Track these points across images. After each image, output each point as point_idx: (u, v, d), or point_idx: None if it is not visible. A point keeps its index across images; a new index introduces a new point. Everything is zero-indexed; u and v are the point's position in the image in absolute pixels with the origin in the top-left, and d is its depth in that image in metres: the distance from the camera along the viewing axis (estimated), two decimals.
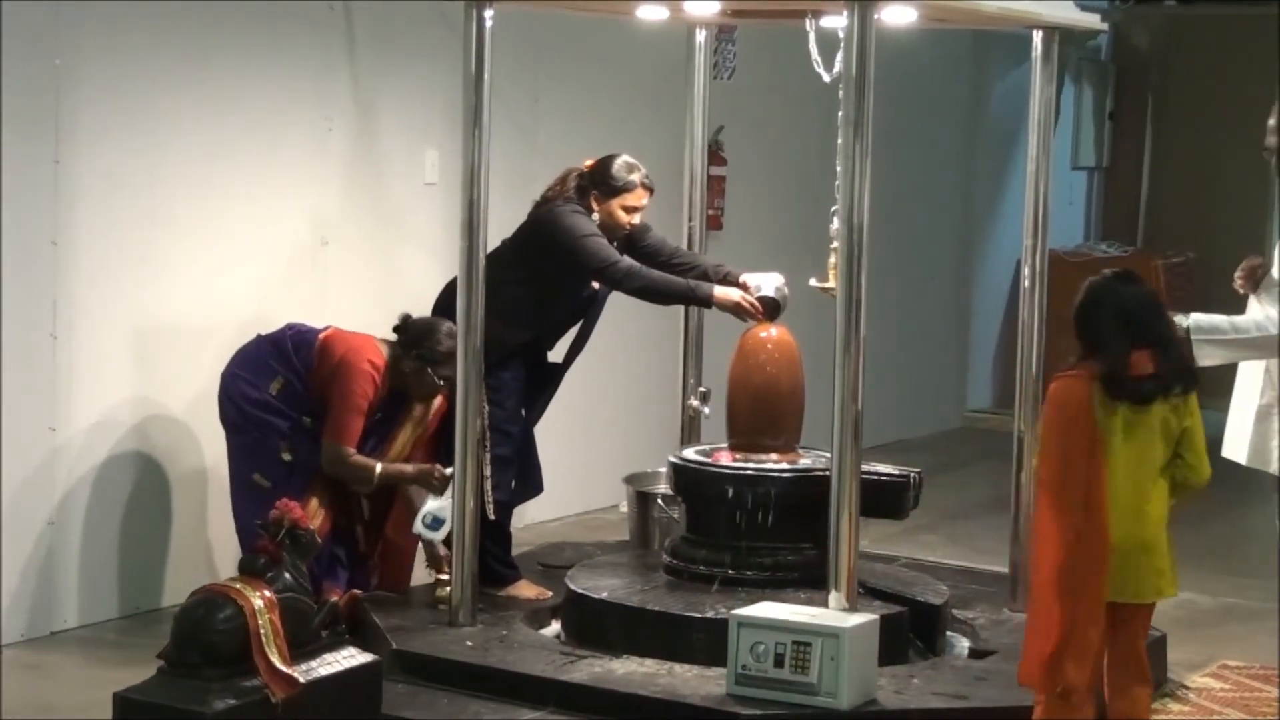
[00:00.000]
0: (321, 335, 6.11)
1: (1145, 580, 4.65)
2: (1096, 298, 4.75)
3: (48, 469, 6.15)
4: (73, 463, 6.23)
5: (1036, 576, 4.68)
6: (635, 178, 6.13)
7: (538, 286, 6.12)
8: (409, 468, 6.08)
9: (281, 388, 6.04)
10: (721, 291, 6.04)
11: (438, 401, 6.14)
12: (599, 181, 6.12)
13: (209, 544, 6.65)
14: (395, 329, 6.11)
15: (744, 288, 6.05)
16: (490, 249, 6.02)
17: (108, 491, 6.35)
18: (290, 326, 6.19)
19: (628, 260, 6.06)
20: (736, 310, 6.04)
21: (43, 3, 5.99)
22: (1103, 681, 4.70)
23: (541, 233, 6.11)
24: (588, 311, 6.32)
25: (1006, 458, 6.18)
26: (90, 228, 6.22)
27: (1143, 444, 4.63)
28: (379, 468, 6.00)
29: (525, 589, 6.20)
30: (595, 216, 6.11)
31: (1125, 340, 4.63)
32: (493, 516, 6.04)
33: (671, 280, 6.13)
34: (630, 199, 6.13)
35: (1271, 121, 5.19)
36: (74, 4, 6.09)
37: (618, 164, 6.13)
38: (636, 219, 6.19)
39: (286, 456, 6.01)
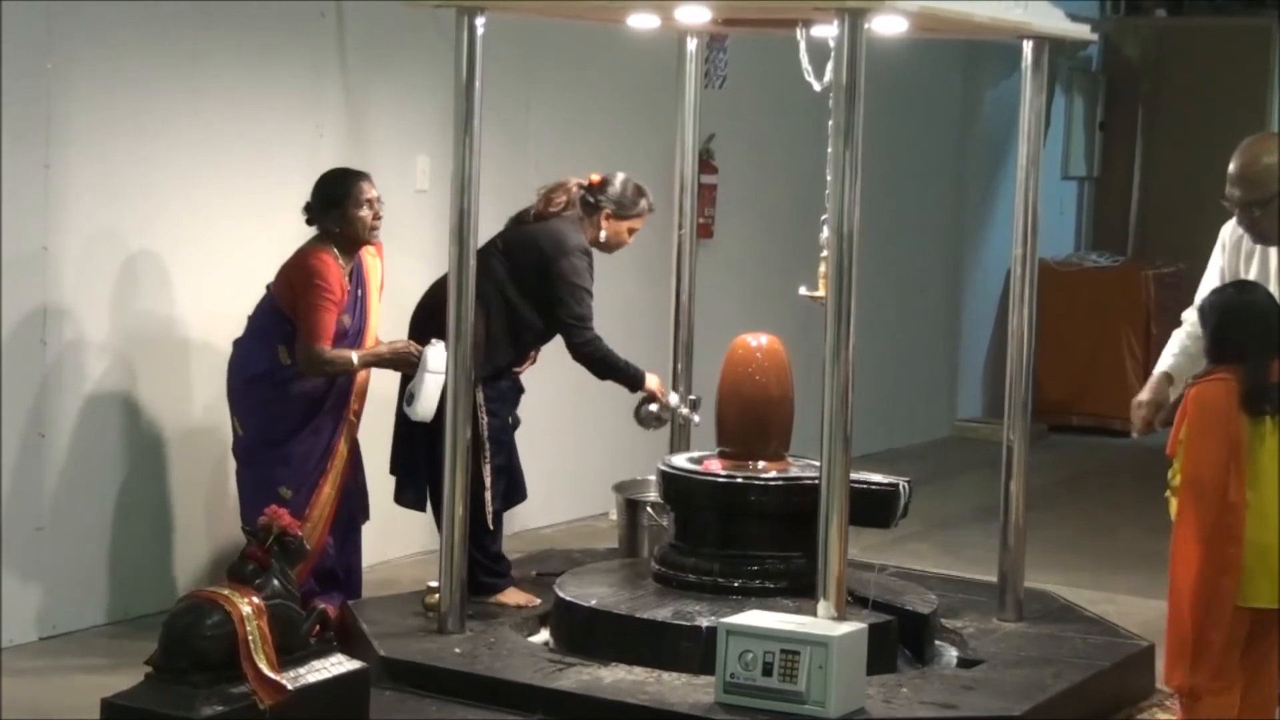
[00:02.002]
0: (269, 287, 6.13)
1: None
2: (1234, 311, 4.83)
3: (37, 475, 6.14)
4: (62, 469, 6.22)
5: (1173, 578, 4.77)
6: (645, 203, 6.32)
7: (535, 303, 6.20)
8: (384, 348, 6.11)
9: (289, 351, 6.04)
10: (650, 380, 6.35)
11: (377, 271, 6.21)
12: (616, 202, 6.26)
13: (198, 550, 6.64)
14: (305, 213, 6.11)
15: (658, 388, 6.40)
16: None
17: (97, 498, 6.35)
18: (249, 319, 6.18)
19: (594, 331, 6.21)
20: (650, 396, 6.39)
21: (35, 7, 5.99)
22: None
23: (544, 252, 6.16)
24: None
25: (996, 467, 6.18)
26: (81, 233, 6.22)
27: None
28: (355, 355, 6.01)
29: (512, 596, 6.20)
30: (602, 234, 6.26)
31: (1268, 350, 4.72)
32: (491, 525, 6.09)
33: (618, 359, 6.31)
34: (638, 222, 6.33)
35: (1231, 169, 5.06)
36: (66, 10, 6.09)
37: (633, 187, 6.30)
38: (631, 240, 6.40)
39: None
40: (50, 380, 6.17)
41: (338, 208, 6.03)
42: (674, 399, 6.44)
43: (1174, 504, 4.88)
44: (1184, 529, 4.78)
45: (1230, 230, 5.26)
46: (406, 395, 6.06)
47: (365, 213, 6.05)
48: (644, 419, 6.48)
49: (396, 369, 6.13)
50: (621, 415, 6.59)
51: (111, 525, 6.38)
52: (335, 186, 6.08)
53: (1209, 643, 4.72)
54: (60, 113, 6.11)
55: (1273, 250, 5.15)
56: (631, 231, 6.33)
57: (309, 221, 6.11)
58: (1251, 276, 5.20)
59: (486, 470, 6.08)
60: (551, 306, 6.17)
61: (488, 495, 6.09)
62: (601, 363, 6.26)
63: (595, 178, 6.30)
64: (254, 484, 6.06)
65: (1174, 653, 4.79)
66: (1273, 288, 5.09)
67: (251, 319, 6.14)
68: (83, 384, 6.27)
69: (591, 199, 6.26)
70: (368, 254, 6.19)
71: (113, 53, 6.27)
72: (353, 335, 6.09)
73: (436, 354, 5.97)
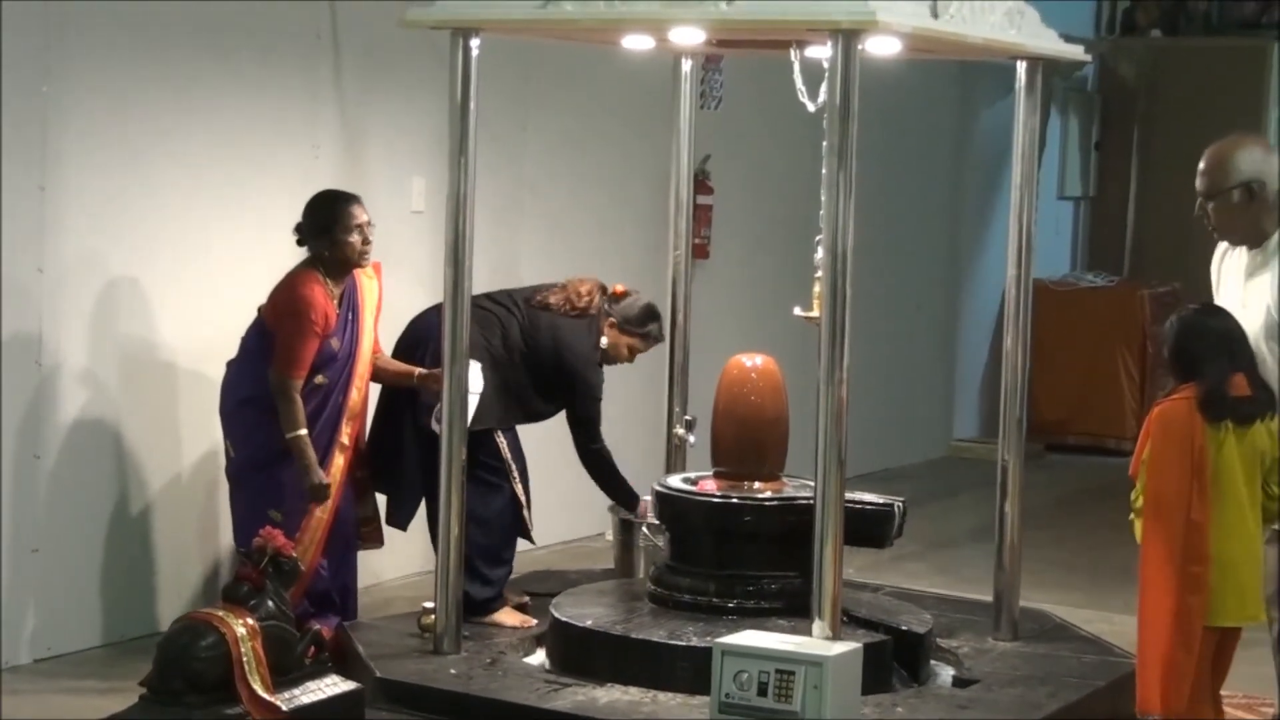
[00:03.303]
0: (261, 309, 6.12)
1: (1257, 602, 4.86)
2: (1193, 328, 4.94)
3: (32, 496, 6.14)
4: (57, 490, 6.22)
5: (1143, 601, 4.82)
6: (655, 328, 6.45)
7: (537, 390, 6.37)
8: (313, 460, 5.95)
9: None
10: (643, 503, 6.40)
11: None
12: (624, 317, 6.39)
13: (193, 572, 6.63)
14: (296, 234, 6.11)
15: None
16: (493, 290, 6.36)
17: (92, 519, 6.34)
18: (242, 341, 6.18)
19: (604, 440, 6.41)
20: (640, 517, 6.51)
21: (31, 30, 6.00)
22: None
23: (571, 357, 6.30)
24: None
25: (992, 487, 6.18)
26: (76, 255, 6.23)
27: (1251, 464, 4.81)
28: (302, 433, 5.93)
29: (508, 616, 6.21)
30: (603, 340, 6.37)
31: (1225, 364, 4.82)
32: (534, 542, 6.42)
33: (619, 473, 6.48)
34: (641, 344, 6.44)
35: (1200, 164, 5.16)
36: (62, 33, 6.10)
37: (644, 309, 6.43)
38: (634, 359, 6.51)
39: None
40: (45, 402, 6.17)
41: (328, 233, 6.03)
42: (652, 515, 6.39)
43: (1138, 526, 4.90)
44: (1150, 549, 4.81)
45: (1215, 257, 5.31)
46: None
47: (355, 238, 6.04)
48: (644, 541, 6.57)
49: (303, 476, 5.98)
50: (617, 437, 6.60)
51: (106, 547, 6.38)
52: (326, 210, 6.07)
53: (1180, 665, 4.73)
54: (56, 135, 6.12)
55: (1241, 273, 5.18)
56: (631, 350, 6.43)
57: (300, 243, 6.12)
58: (1223, 295, 5.24)
59: (519, 489, 6.28)
60: (567, 406, 6.37)
61: (527, 514, 6.31)
62: (607, 470, 6.45)
63: (619, 288, 6.45)
64: (245, 506, 6.06)
65: (1148, 678, 4.80)
66: (1241, 309, 5.12)
67: (244, 341, 6.15)
68: (77, 406, 6.27)
69: (606, 305, 6.38)
70: (364, 275, 6.19)
71: (108, 75, 6.28)
72: (343, 358, 6.08)
73: (473, 373, 6.01)
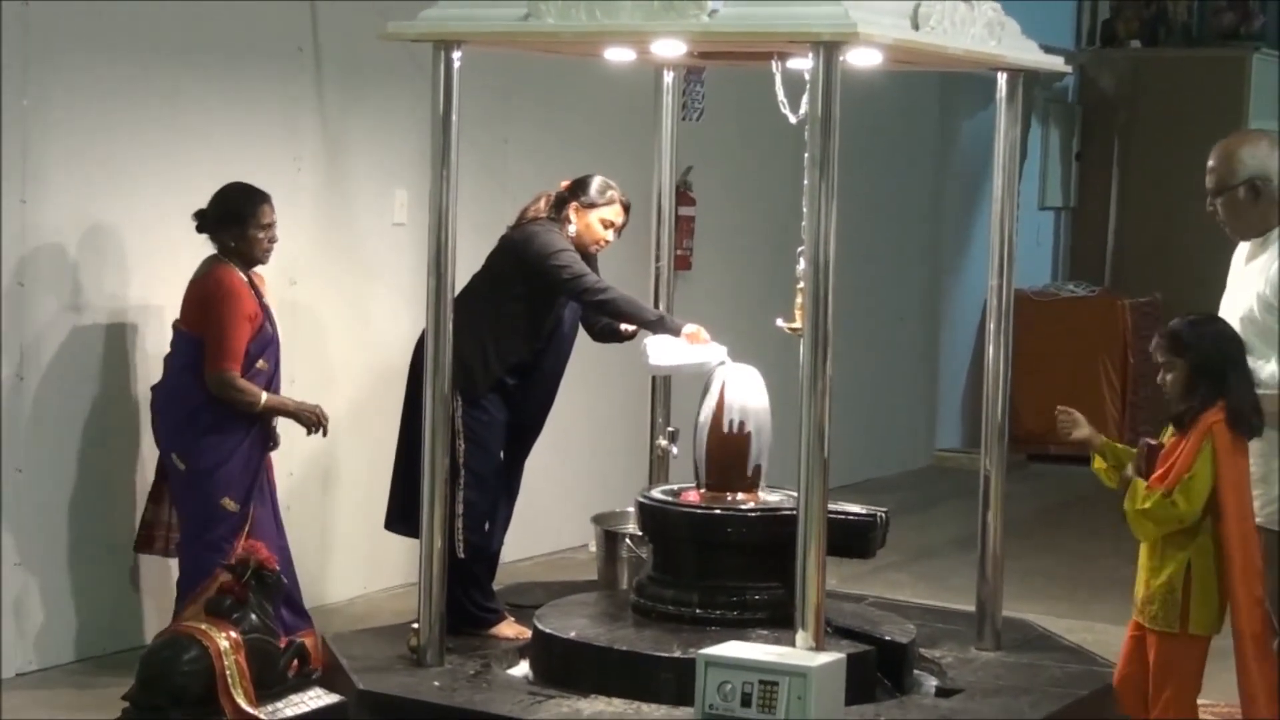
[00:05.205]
0: (176, 324, 6.09)
1: None
2: (1218, 342, 4.93)
3: (14, 510, 6.13)
4: (38, 504, 6.21)
5: (1237, 613, 4.85)
6: (613, 193, 6.25)
7: (513, 308, 6.14)
8: (290, 402, 6.10)
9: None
10: (691, 328, 6.09)
11: None
12: (579, 193, 6.23)
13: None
14: (196, 219, 6.08)
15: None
16: (460, 287, 6.09)
17: (72, 534, 6.33)
18: (166, 362, 6.15)
19: (596, 276, 6.12)
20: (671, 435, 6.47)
21: (11, 44, 6.00)
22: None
23: (515, 252, 6.17)
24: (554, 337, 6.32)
25: (974, 497, 6.19)
26: (57, 269, 6.22)
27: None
28: (265, 396, 5.98)
29: (505, 629, 6.20)
30: (572, 228, 6.21)
31: (1246, 375, 4.86)
32: (461, 554, 6.04)
33: (642, 306, 6.24)
34: (609, 212, 6.23)
35: (1211, 162, 5.24)
36: (41, 45, 6.10)
37: (598, 180, 6.27)
38: (611, 236, 6.27)
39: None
40: (26, 416, 6.16)
41: (239, 225, 6.02)
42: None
43: (1141, 523, 4.90)
44: (1236, 559, 4.83)
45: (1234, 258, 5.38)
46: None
47: (263, 235, 6.06)
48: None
49: (298, 422, 6.08)
50: (600, 446, 6.60)
51: (86, 561, 6.36)
52: (239, 203, 6.05)
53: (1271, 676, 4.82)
54: (37, 149, 6.12)
55: (1243, 262, 5.23)
56: (605, 224, 6.22)
57: (200, 229, 6.07)
58: (1229, 290, 5.28)
59: (458, 499, 6.02)
60: (548, 292, 6.12)
61: (458, 524, 6.02)
62: (621, 312, 6.18)
63: (565, 183, 6.32)
64: (200, 503, 5.95)
65: (1256, 696, 4.89)
66: (1239, 292, 5.17)
67: (170, 360, 6.07)
68: (59, 420, 6.26)
69: (564, 196, 6.26)
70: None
71: (90, 89, 6.28)
72: (266, 379, 6.05)
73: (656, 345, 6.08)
